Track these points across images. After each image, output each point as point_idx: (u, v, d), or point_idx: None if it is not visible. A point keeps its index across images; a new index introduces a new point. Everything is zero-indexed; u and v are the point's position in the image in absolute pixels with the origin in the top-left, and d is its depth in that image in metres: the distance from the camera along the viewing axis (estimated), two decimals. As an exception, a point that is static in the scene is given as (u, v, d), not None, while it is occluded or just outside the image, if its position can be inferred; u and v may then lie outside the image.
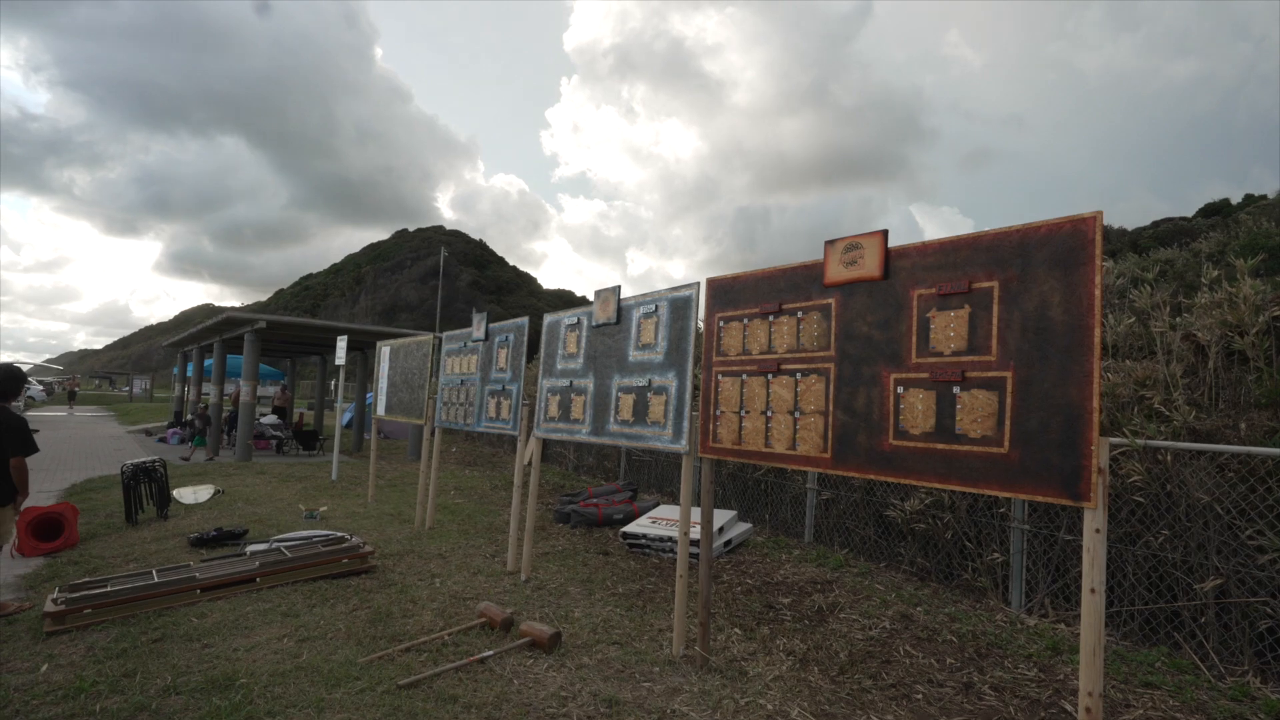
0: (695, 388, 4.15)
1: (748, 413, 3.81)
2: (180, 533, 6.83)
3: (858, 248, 3.29)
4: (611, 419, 4.71)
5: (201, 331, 16.48)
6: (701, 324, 4.23)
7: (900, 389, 3.06)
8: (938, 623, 4.66)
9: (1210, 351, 4.95)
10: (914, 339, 3.04)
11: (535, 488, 5.72)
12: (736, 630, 4.49)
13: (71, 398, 34.57)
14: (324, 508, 8.25)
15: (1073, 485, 2.49)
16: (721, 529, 6.55)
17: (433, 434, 7.68)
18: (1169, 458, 4.36)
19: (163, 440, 16.92)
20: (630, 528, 6.82)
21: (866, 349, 3.23)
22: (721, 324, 4.04)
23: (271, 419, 17.15)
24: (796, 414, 3.53)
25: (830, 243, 3.43)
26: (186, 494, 8.62)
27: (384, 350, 9.23)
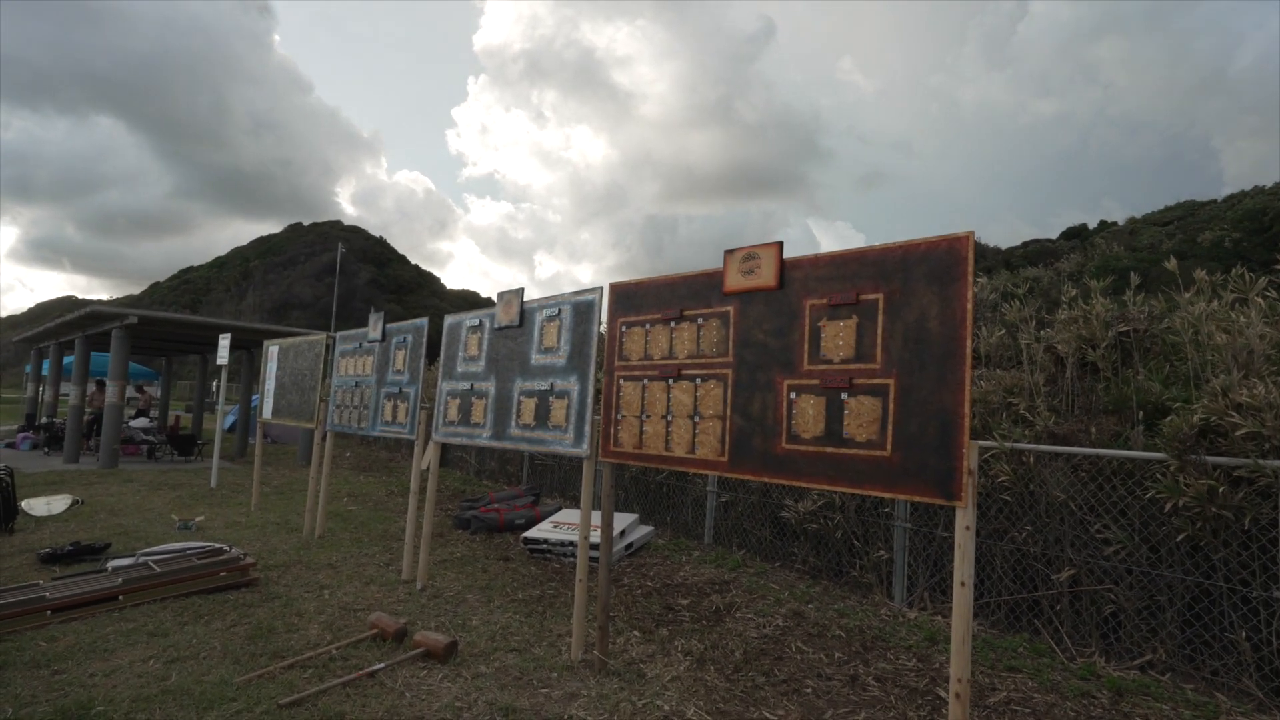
0: (597, 392, 4.17)
1: (649, 417, 3.86)
2: (29, 548, 6.18)
3: (755, 258, 3.41)
4: (513, 423, 4.65)
5: (60, 326, 14.99)
6: (604, 328, 4.25)
7: (793, 395, 3.19)
8: (827, 619, 4.88)
9: (1068, 362, 5.45)
10: (806, 347, 3.17)
11: (433, 493, 5.55)
12: (636, 633, 4.52)
13: None
14: (200, 517, 7.69)
15: (946, 486, 2.66)
16: (623, 532, 6.58)
17: (324, 439, 7.32)
18: (1032, 459, 4.75)
19: (11, 445, 15.26)
20: (531, 532, 6.75)
21: (762, 356, 3.34)
22: (624, 329, 4.08)
23: (142, 422, 15.83)
24: (696, 418, 3.60)
25: (730, 252, 3.53)
26: (38, 505, 7.81)
27: (272, 350, 8.72)
